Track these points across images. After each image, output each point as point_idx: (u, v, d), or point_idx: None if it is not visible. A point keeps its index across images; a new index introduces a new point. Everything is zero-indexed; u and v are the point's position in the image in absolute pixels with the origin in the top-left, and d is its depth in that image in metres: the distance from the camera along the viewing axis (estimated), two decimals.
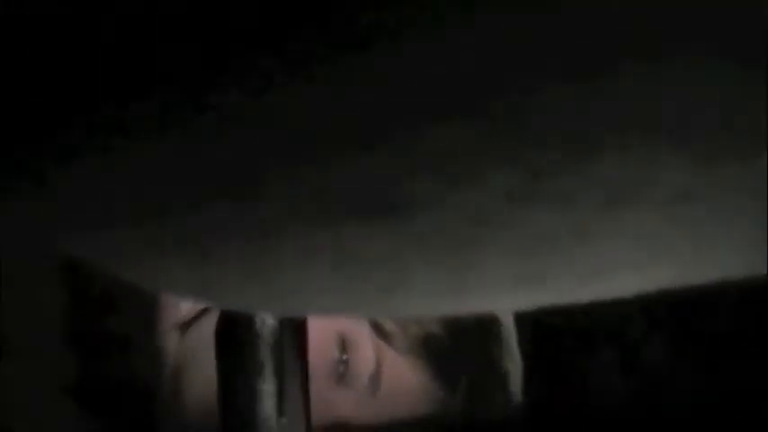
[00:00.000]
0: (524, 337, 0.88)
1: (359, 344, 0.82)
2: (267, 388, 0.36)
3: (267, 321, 0.36)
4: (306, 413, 0.37)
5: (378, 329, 0.83)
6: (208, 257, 0.26)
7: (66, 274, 0.78)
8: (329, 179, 0.21)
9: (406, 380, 0.83)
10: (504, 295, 0.30)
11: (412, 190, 0.21)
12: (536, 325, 0.89)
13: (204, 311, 0.85)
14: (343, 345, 0.81)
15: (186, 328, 0.85)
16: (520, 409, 0.83)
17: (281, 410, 0.36)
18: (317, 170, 0.21)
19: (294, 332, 0.36)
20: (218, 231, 0.24)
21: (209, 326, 0.83)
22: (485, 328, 0.88)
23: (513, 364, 0.88)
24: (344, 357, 0.81)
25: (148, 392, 0.83)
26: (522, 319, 0.88)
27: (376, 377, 0.82)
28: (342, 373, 0.81)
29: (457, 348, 0.85)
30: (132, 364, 0.83)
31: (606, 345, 0.85)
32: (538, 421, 0.78)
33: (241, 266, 0.27)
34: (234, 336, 0.36)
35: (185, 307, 0.85)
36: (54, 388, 0.77)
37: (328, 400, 0.79)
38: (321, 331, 0.80)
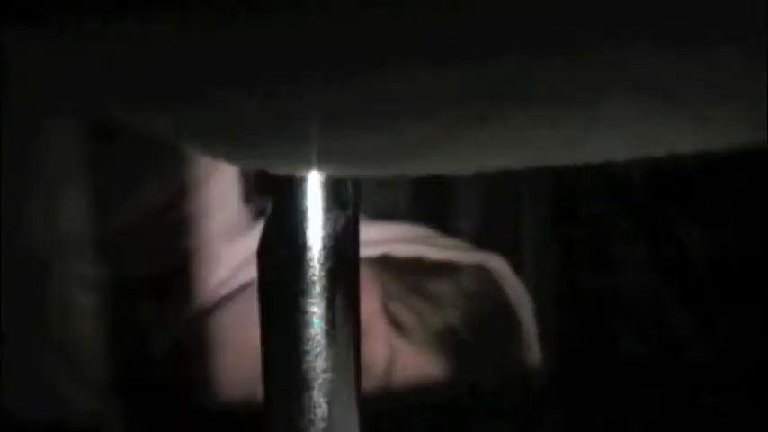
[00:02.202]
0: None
1: (372, 338, 0.79)
2: (316, 310, 0.32)
3: (312, 240, 0.33)
4: (356, 340, 0.34)
5: (394, 323, 0.80)
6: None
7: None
8: None
9: (422, 373, 0.80)
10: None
11: None
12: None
13: (225, 299, 0.82)
14: None
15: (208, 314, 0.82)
16: (540, 401, 0.80)
17: (330, 334, 0.33)
18: None
19: (343, 252, 0.33)
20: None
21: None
22: (505, 321, 0.86)
23: (533, 357, 0.85)
24: None
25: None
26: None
27: (388, 371, 0.79)
28: None
29: (476, 342, 0.82)
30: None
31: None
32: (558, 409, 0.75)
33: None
34: (277, 255, 0.33)
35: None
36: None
37: None
38: None
